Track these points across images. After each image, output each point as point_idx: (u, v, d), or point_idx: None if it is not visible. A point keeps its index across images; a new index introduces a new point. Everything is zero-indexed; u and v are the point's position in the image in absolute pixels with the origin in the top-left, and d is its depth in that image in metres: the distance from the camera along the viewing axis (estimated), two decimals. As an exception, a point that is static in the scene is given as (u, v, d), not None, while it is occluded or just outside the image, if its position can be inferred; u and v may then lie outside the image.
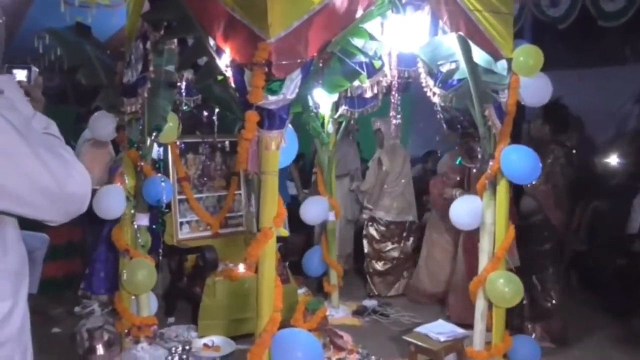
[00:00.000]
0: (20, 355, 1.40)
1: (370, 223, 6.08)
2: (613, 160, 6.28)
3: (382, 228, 6.03)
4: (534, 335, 4.60)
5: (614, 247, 5.16)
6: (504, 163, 3.89)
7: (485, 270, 4.04)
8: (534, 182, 4.38)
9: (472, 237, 4.75)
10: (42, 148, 1.32)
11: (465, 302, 4.54)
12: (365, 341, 4.62)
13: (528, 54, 3.88)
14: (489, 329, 4.11)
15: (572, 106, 7.09)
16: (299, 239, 6.59)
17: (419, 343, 3.99)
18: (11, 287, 1.37)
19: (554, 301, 4.67)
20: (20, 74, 1.58)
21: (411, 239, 6.14)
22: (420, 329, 4.13)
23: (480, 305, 4.11)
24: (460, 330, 4.10)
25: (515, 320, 4.58)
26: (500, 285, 3.95)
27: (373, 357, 4.28)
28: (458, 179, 5.46)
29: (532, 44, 3.93)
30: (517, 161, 3.89)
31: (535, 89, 3.97)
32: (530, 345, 4.15)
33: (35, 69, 1.61)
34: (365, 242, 6.11)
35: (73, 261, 6.00)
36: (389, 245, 6.07)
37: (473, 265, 4.46)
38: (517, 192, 4.46)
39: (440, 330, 4.06)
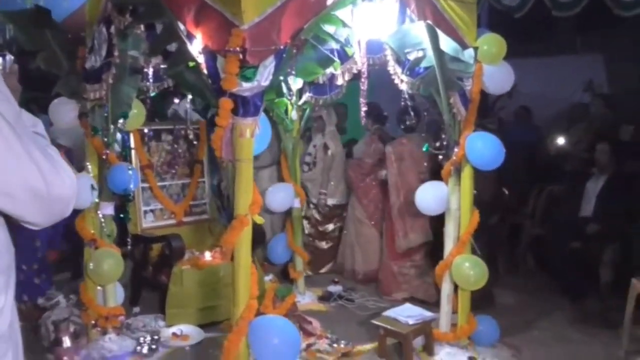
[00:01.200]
0: (13, 351, 1.38)
1: (312, 205, 6.24)
2: (567, 146, 6.48)
3: (326, 209, 6.20)
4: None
5: (568, 230, 5.34)
6: (469, 150, 4.00)
7: (450, 255, 4.15)
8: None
9: (387, 217, 5.67)
10: (33, 146, 1.29)
11: (390, 277, 5.55)
12: (333, 326, 4.67)
13: (492, 43, 3.99)
14: (454, 310, 4.23)
15: (526, 94, 7.34)
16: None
17: (388, 327, 4.07)
18: (3, 283, 1.35)
19: None
20: None
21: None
22: (389, 313, 4.21)
23: (446, 288, 4.22)
24: (428, 314, 4.20)
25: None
26: (465, 269, 4.06)
27: (342, 341, 4.33)
28: (371, 162, 5.96)
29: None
30: (482, 148, 4.00)
31: (499, 77, 4.09)
32: (491, 326, 4.28)
33: (9, 56, 1.55)
34: (306, 223, 6.19)
35: None
36: (332, 226, 6.29)
37: (388, 241, 5.63)
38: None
39: (408, 313, 4.15)
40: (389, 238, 5.68)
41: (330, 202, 6.21)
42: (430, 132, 5.21)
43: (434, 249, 5.31)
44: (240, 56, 2.91)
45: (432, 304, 4.79)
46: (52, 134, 6.30)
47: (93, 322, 4.21)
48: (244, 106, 3.01)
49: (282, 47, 3.04)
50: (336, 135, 6.35)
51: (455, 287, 4.18)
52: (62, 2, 6.16)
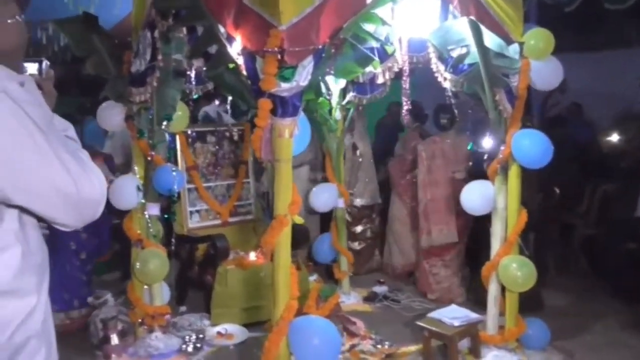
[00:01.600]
0: (46, 348, 1.43)
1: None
2: (621, 143, 6.25)
3: (354, 209, 6.15)
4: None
5: (623, 231, 5.14)
6: (515, 148, 3.89)
7: (497, 255, 4.05)
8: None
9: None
10: (63, 149, 1.34)
11: (423, 275, 5.56)
12: (378, 327, 4.63)
13: (539, 37, 3.87)
14: (502, 313, 4.13)
15: (576, 90, 7.12)
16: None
17: (433, 328, 4.00)
18: (37, 282, 1.39)
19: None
20: (32, 68, 1.55)
21: (378, 219, 6.35)
22: (434, 314, 4.14)
23: (493, 289, 4.12)
24: (474, 315, 4.11)
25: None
26: (513, 270, 3.95)
27: (387, 342, 4.29)
28: (412, 158, 5.86)
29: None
30: (529, 146, 3.88)
31: (546, 73, 3.96)
32: (541, 329, 4.15)
33: (46, 62, 1.60)
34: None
35: None
36: (361, 227, 6.22)
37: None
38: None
39: (454, 315, 4.07)
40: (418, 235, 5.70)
41: (359, 202, 6.17)
42: (475, 131, 5.10)
43: (468, 250, 5.41)
44: (279, 56, 2.92)
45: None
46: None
47: (140, 320, 4.29)
48: (282, 106, 3.01)
49: (320, 46, 3.03)
50: (365, 135, 6.32)
51: (503, 289, 4.08)
52: (112, 9, 6.34)
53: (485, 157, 4.12)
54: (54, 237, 4.07)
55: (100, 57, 4.19)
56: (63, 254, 4.63)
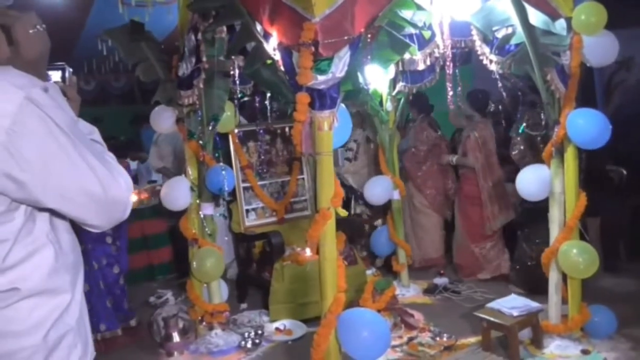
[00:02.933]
0: (82, 344, 1.46)
1: (361, 202, 6.10)
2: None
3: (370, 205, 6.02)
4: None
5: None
6: (571, 128, 3.72)
7: (557, 241, 3.89)
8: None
9: (465, 202, 5.69)
10: (88, 151, 1.37)
11: (470, 260, 5.64)
12: (437, 319, 4.55)
13: (589, 11, 3.67)
14: (564, 301, 3.97)
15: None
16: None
17: (492, 319, 3.89)
18: (70, 280, 1.44)
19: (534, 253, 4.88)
20: (55, 75, 1.59)
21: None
22: (493, 305, 4.03)
23: (554, 277, 3.97)
24: (534, 304, 3.96)
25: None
26: (573, 256, 3.79)
27: (445, 334, 4.20)
28: (425, 148, 5.97)
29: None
30: (585, 125, 3.70)
31: (600, 48, 3.75)
32: (607, 317, 3.96)
33: (69, 69, 1.64)
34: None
35: (157, 252, 6.28)
36: (381, 221, 6.07)
37: (469, 225, 5.63)
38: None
39: (513, 304, 3.95)
40: (470, 223, 5.65)
41: None
42: (527, 112, 4.92)
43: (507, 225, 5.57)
44: (313, 49, 2.90)
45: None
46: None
47: (200, 318, 4.39)
48: (320, 99, 3.00)
49: (356, 36, 3.00)
50: None
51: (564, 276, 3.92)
52: (166, 16, 6.48)
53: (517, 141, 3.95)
54: (86, 256, 4.10)
55: (149, 63, 4.32)
56: (98, 272, 4.53)
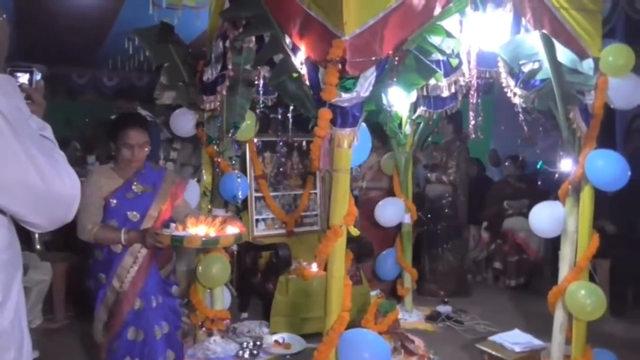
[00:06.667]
0: (15, 349, 1.38)
1: None
2: None
3: None
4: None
5: None
6: (589, 168, 3.70)
7: (565, 280, 3.85)
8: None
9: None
10: (33, 144, 1.30)
11: None
12: (438, 347, 4.51)
13: (618, 53, 3.67)
14: (568, 341, 3.92)
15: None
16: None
17: (493, 352, 3.86)
18: (4, 279, 1.35)
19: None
20: (23, 78, 1.55)
21: None
22: (495, 338, 4.00)
23: (559, 316, 3.92)
24: (537, 342, 3.94)
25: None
26: (581, 297, 3.74)
27: (444, 363, 4.17)
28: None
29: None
30: (604, 167, 3.68)
31: (626, 91, 3.74)
32: (612, 361, 3.91)
33: (37, 73, 1.58)
34: None
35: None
36: None
37: None
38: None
39: (516, 340, 3.92)
40: None
41: None
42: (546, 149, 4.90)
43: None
44: (340, 67, 2.92)
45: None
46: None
47: (200, 323, 4.38)
48: (342, 116, 3.02)
49: (383, 58, 3.01)
50: None
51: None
52: (194, 21, 6.55)
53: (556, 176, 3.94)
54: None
55: (175, 66, 4.36)
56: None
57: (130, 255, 3.12)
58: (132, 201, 3.15)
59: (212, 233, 3.14)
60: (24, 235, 1.52)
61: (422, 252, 6.20)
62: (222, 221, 3.22)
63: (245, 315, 5.10)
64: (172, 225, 3.15)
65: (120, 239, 3.05)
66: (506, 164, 7.17)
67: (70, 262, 5.11)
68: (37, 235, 5.14)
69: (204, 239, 3.10)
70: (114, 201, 3.12)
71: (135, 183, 3.19)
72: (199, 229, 3.12)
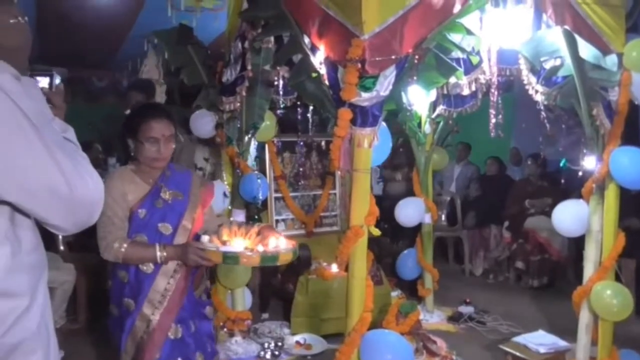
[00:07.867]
0: (43, 351, 1.38)
1: None
2: None
3: None
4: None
5: None
6: (614, 166, 3.64)
7: (590, 280, 3.79)
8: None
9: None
10: (56, 147, 1.29)
11: None
12: (460, 348, 4.47)
13: (642, 49, 3.61)
14: (593, 342, 3.86)
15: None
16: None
17: (517, 353, 3.82)
18: (29, 281, 1.35)
19: None
20: (43, 81, 1.55)
21: None
22: (519, 339, 3.96)
23: (584, 317, 3.86)
24: (562, 343, 3.88)
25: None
26: (607, 297, 3.68)
27: (467, 364, 4.13)
28: None
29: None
30: (629, 164, 3.62)
31: (650, 87, 3.69)
32: (639, 363, 3.85)
33: (57, 76, 1.58)
34: None
35: None
36: None
37: None
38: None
39: (540, 341, 3.88)
40: None
41: None
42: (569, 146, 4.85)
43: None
44: (360, 66, 2.91)
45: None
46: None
47: (222, 324, 4.39)
48: (362, 116, 3.00)
49: (403, 56, 2.99)
50: None
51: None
52: (212, 22, 6.57)
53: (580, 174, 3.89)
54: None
55: (194, 67, 4.38)
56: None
57: (163, 276, 2.52)
58: (162, 210, 2.56)
59: (249, 245, 2.52)
60: (48, 237, 1.49)
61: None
62: (257, 232, 2.64)
63: (265, 315, 5.09)
64: (205, 237, 2.50)
65: (156, 256, 2.46)
66: (528, 162, 7.09)
67: (91, 263, 5.14)
68: (60, 237, 5.18)
69: (262, 255, 2.44)
70: (142, 211, 2.53)
71: (163, 188, 2.59)
72: (236, 242, 2.52)
